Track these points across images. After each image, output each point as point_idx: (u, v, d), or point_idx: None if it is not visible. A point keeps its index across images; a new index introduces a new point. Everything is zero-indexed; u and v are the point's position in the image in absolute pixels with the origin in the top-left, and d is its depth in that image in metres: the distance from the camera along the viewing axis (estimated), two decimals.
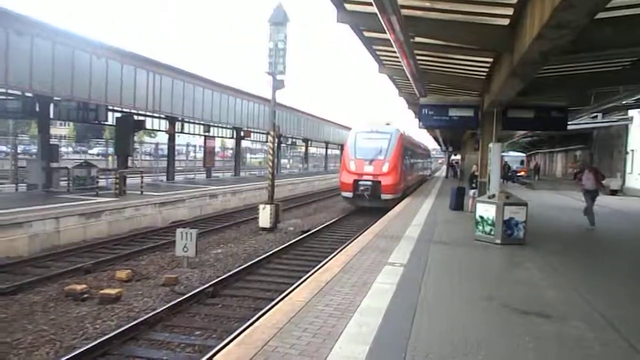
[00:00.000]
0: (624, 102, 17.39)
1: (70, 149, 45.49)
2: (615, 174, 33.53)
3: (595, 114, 26.88)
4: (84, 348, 6.72)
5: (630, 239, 13.90)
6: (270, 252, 13.44)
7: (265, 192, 19.45)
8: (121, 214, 16.15)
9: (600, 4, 5.49)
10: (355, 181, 22.27)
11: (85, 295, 9.24)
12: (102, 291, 9.31)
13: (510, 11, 8.30)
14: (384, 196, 21.94)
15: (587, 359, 4.94)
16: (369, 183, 22.02)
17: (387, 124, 24.81)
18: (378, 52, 13.96)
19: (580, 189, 15.98)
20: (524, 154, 57.96)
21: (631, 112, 30.28)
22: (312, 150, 55.76)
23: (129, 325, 7.59)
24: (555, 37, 6.53)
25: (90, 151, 44.91)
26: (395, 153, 22.77)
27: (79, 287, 9.38)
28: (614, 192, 30.09)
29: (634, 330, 5.78)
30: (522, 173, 47.75)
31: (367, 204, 22.22)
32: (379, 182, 21.97)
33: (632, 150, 31.20)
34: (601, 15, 7.37)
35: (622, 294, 7.71)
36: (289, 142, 48.06)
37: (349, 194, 22.65)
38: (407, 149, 26.49)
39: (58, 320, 8.12)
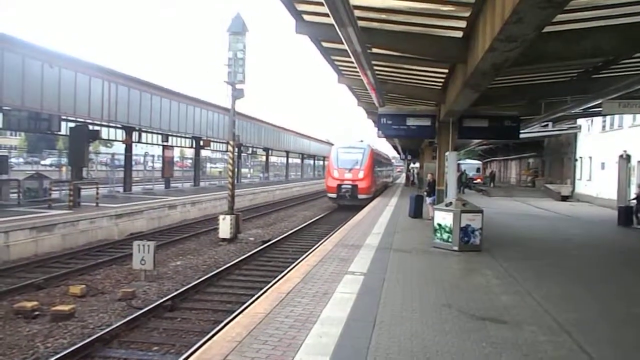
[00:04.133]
0: (572, 112, 18.08)
1: (21, 160, 43.87)
2: (565, 180, 34.85)
3: (546, 123, 27.90)
4: None
5: (581, 244, 14.38)
6: (231, 263, 13.28)
7: (226, 202, 19.25)
8: (75, 226, 15.64)
9: (547, 19, 5.72)
10: (338, 185, 28.98)
11: (37, 313, 8.88)
12: (54, 308, 8.98)
13: (463, 24, 8.54)
14: (360, 196, 28.39)
15: None
16: (349, 186, 28.73)
17: (361, 141, 33.25)
18: (337, 63, 14.08)
19: None
20: (480, 162, 59.49)
21: (580, 121, 31.56)
22: (272, 159, 55.61)
23: (83, 342, 7.34)
24: (506, 49, 6.78)
25: (43, 162, 43.25)
26: (367, 163, 29.68)
27: (29, 304, 9.01)
28: (565, 198, 31.25)
29: (583, 332, 6.00)
30: (479, 180, 49.07)
31: (348, 203, 28.37)
32: (357, 185, 28.74)
33: (581, 158, 32.50)
34: (548, 29, 7.68)
35: (573, 297, 7.99)
36: (250, 151, 47.76)
37: (334, 195, 29.32)
38: (376, 160, 33.89)
39: (7, 339, 7.77)
